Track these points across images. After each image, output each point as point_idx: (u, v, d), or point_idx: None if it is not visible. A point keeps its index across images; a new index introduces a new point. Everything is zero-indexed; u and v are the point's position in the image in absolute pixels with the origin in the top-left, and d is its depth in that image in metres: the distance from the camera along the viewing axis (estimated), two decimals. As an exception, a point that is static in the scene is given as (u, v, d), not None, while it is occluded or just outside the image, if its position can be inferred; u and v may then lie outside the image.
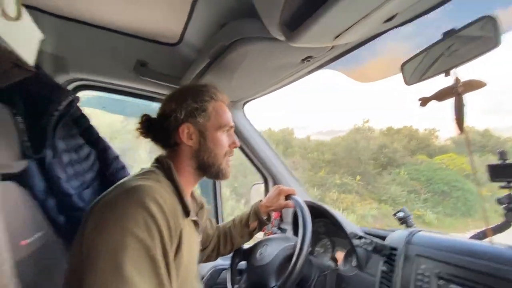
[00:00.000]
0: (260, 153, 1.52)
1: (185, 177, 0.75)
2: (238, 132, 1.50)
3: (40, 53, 0.98)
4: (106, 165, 1.18)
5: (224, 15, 0.81)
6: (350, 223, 1.12)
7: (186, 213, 0.70)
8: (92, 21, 1.00)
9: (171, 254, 0.58)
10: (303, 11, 0.57)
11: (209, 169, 0.77)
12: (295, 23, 0.60)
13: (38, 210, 0.87)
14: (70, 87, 1.19)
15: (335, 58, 0.87)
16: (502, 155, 0.76)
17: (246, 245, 1.09)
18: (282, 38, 0.66)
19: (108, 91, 1.28)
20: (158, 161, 0.75)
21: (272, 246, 0.96)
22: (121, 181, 0.66)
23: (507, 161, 0.75)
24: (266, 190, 1.68)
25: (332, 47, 0.77)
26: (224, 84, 1.12)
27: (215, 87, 0.81)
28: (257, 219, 1.02)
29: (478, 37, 0.60)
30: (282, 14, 0.60)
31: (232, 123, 0.81)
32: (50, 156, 0.92)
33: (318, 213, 1.21)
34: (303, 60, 0.85)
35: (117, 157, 1.21)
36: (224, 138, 0.77)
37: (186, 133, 0.74)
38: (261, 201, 1.06)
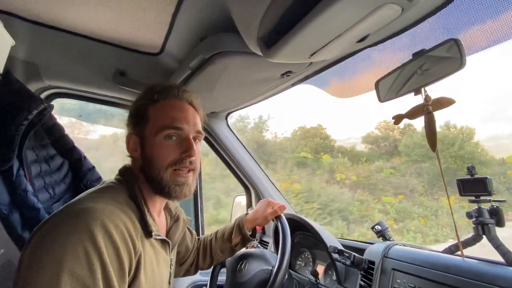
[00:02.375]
0: (242, 164, 1.52)
1: (147, 193, 0.66)
2: (220, 143, 1.49)
3: (12, 59, 0.94)
4: (80, 176, 1.13)
5: (205, 28, 0.81)
6: (330, 236, 1.12)
7: (149, 232, 0.61)
8: (69, 27, 0.97)
9: (123, 286, 0.52)
10: (279, 29, 0.58)
11: (152, 184, 0.64)
12: (272, 40, 0.61)
13: (1, 226, 0.81)
14: (44, 95, 1.14)
15: (313, 73, 0.89)
16: (470, 169, 0.79)
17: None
18: (260, 53, 0.67)
19: (85, 99, 1.24)
20: (121, 174, 0.67)
21: (252, 264, 0.94)
22: (72, 200, 0.58)
23: (475, 176, 0.79)
24: (249, 201, 1.67)
25: (310, 63, 0.79)
26: (205, 94, 1.11)
27: (163, 85, 0.69)
28: (240, 234, 0.93)
29: (445, 58, 0.63)
30: (260, 31, 0.61)
31: (180, 124, 0.64)
32: (17, 167, 0.87)
33: (299, 226, 1.21)
34: (282, 74, 0.87)
35: (92, 168, 1.16)
36: (166, 145, 0.63)
37: (131, 144, 0.66)
38: (246, 214, 0.98)
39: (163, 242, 0.69)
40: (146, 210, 0.62)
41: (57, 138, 1.08)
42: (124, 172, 0.67)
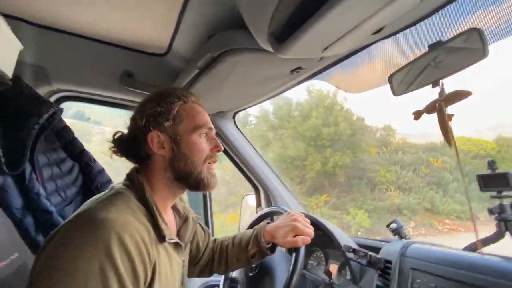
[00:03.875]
0: (250, 163, 1.50)
1: (162, 193, 0.68)
2: (228, 142, 1.48)
3: (21, 64, 0.94)
4: (91, 179, 1.14)
5: (213, 26, 0.80)
6: (343, 234, 1.10)
7: (162, 238, 0.62)
8: (76, 30, 0.97)
9: None
10: (291, 23, 0.56)
11: (188, 179, 0.68)
12: (283, 35, 0.59)
13: (15, 230, 0.82)
14: (53, 98, 1.14)
15: (324, 69, 0.86)
16: (491, 164, 0.76)
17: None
18: (270, 49, 0.65)
19: (93, 102, 1.24)
20: (129, 178, 0.67)
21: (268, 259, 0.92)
22: (82, 208, 0.57)
23: (496, 171, 0.76)
24: (258, 200, 1.65)
25: (321, 58, 0.77)
26: (213, 94, 1.10)
27: (183, 89, 0.74)
28: (257, 246, 0.84)
29: (464, 48, 0.60)
30: (271, 26, 0.59)
31: (210, 125, 0.72)
32: (29, 171, 0.87)
33: (311, 224, 1.19)
34: (292, 71, 0.85)
35: (102, 171, 1.16)
36: (202, 142, 0.69)
37: (156, 142, 0.66)
38: (268, 223, 0.90)
39: (176, 244, 0.69)
40: (158, 215, 0.62)
41: (67, 142, 1.09)
42: (132, 176, 0.66)
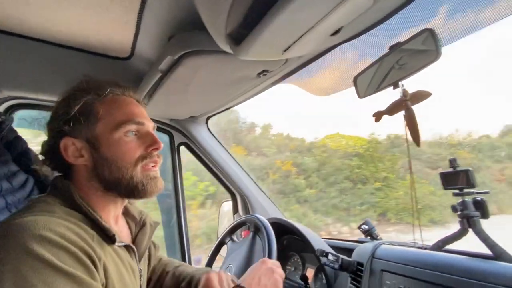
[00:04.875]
0: (225, 168, 1.46)
1: (99, 202, 0.58)
2: (201, 148, 1.44)
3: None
4: (49, 192, 1.05)
5: (172, 27, 0.76)
6: (318, 238, 1.09)
7: (109, 238, 0.53)
8: (27, 33, 0.89)
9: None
10: (247, 23, 0.54)
11: (118, 188, 0.57)
12: (241, 36, 0.57)
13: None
14: (3, 107, 1.05)
15: (291, 72, 0.85)
16: (452, 162, 0.78)
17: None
18: (231, 51, 0.63)
19: (50, 109, 1.15)
20: (53, 187, 0.57)
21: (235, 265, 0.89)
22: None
23: (458, 168, 0.78)
24: (234, 207, 1.62)
25: (286, 60, 0.75)
26: (180, 98, 1.06)
27: (101, 82, 0.61)
28: None
29: (420, 49, 0.61)
30: (228, 26, 0.57)
31: (140, 119, 0.60)
32: (-30, 187, 0.78)
33: (286, 229, 1.17)
34: (259, 74, 0.83)
35: (61, 183, 1.08)
36: (129, 141, 0.57)
37: (73, 150, 0.56)
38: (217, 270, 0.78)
39: (128, 248, 0.61)
40: (98, 217, 0.54)
41: (19, 153, 1.00)
42: (56, 183, 0.57)
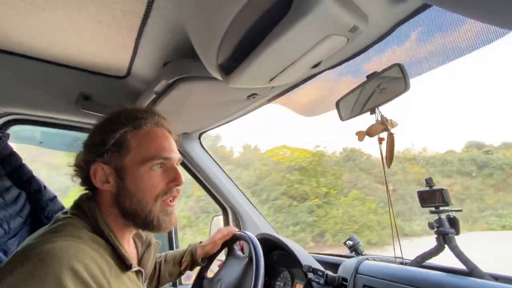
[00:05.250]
0: (217, 183, 1.49)
1: (117, 225, 0.61)
2: (193, 164, 1.47)
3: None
4: (41, 207, 1.06)
5: (168, 54, 0.81)
6: (306, 254, 1.11)
7: (126, 266, 0.57)
8: (27, 53, 0.93)
9: None
10: (237, 56, 0.60)
11: (135, 219, 0.60)
12: (231, 67, 0.62)
13: None
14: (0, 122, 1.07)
15: (278, 95, 0.91)
16: (429, 181, 0.83)
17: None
18: (221, 78, 0.68)
19: (46, 125, 1.18)
20: (78, 207, 0.60)
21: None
22: (27, 241, 0.52)
23: (433, 187, 0.83)
24: (226, 221, 1.63)
25: (273, 86, 0.81)
26: (173, 117, 1.10)
27: (142, 110, 0.65)
28: (191, 260, 0.96)
29: (394, 80, 0.68)
30: (219, 57, 0.62)
31: (168, 154, 0.62)
32: (-36, 204, 0.80)
33: (275, 245, 1.19)
34: (248, 96, 0.88)
35: (54, 198, 1.09)
36: (153, 176, 0.60)
37: (101, 175, 0.59)
38: (201, 242, 1.02)
39: (138, 272, 0.65)
40: (118, 244, 0.57)
41: (13, 168, 1.01)
42: (81, 205, 0.60)
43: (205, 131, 1.41)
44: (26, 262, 0.44)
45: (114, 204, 0.60)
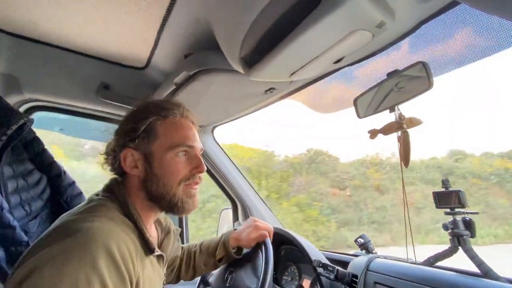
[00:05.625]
0: (229, 177, 1.51)
1: (143, 208, 0.65)
2: (206, 156, 1.49)
3: (-10, 72, 0.92)
4: (60, 192, 1.10)
5: (189, 45, 0.83)
6: (315, 249, 1.12)
7: (150, 250, 0.61)
8: (53, 42, 0.97)
9: None
10: (260, 49, 0.61)
11: (161, 202, 0.64)
12: (253, 60, 0.63)
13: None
14: (23, 108, 1.12)
15: (295, 90, 0.92)
16: (445, 182, 0.83)
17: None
18: (242, 71, 0.69)
19: (67, 112, 1.22)
20: (109, 190, 0.64)
21: (239, 275, 0.92)
22: (63, 218, 0.56)
23: (450, 189, 0.82)
24: (235, 215, 1.65)
25: (292, 80, 0.82)
26: (191, 108, 1.12)
27: (165, 102, 0.70)
28: (225, 251, 0.93)
29: (416, 78, 0.67)
30: (242, 50, 0.63)
31: (192, 143, 0.67)
32: (-8, 184, 0.84)
33: (284, 240, 1.20)
34: (266, 91, 0.89)
35: (72, 183, 1.13)
36: (178, 162, 0.65)
37: (130, 161, 0.64)
38: (235, 229, 0.99)
39: (159, 257, 0.68)
40: (144, 228, 0.61)
41: (36, 153, 1.05)
42: (113, 188, 0.64)
43: (218, 125, 1.43)
44: (65, 237, 0.48)
45: (142, 188, 0.64)
